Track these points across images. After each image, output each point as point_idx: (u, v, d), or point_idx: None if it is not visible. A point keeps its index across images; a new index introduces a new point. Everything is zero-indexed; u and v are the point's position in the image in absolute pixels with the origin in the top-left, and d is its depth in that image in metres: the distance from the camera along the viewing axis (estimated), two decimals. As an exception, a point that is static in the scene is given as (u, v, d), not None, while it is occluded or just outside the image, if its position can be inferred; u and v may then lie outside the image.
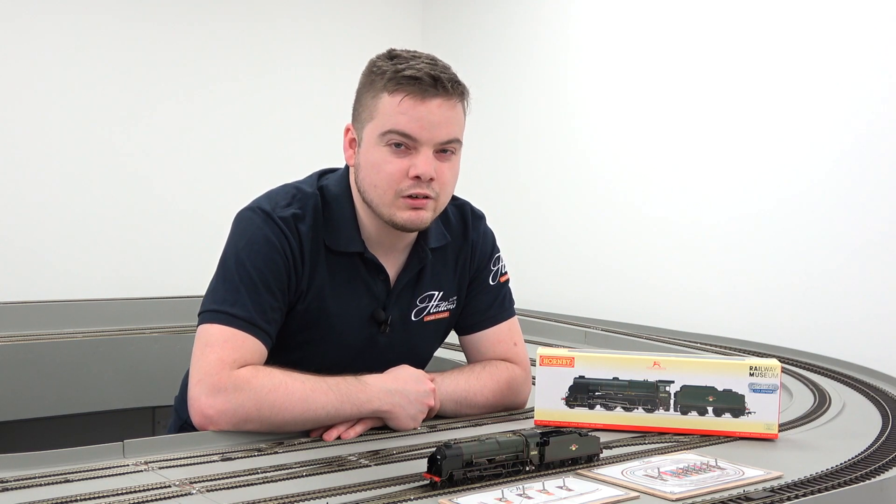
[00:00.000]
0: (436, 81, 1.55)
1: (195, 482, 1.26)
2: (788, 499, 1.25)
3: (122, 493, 1.20)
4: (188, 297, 3.08)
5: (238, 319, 1.53)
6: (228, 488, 1.24)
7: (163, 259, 3.43)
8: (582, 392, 1.61)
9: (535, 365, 1.66)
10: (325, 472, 1.33)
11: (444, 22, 4.00)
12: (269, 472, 1.33)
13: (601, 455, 1.41)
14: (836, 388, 2.09)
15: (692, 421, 1.59)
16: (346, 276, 1.65)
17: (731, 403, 1.58)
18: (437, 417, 1.67)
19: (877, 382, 2.17)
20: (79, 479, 1.26)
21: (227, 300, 1.55)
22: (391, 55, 1.61)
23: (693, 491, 1.26)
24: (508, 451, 1.31)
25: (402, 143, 1.56)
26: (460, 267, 1.78)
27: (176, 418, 1.81)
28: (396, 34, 3.93)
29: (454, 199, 1.78)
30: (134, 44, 3.39)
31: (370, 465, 1.37)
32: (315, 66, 3.81)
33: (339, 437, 1.53)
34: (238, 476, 1.30)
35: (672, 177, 3.07)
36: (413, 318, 1.73)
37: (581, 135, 3.40)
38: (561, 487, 1.26)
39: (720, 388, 1.58)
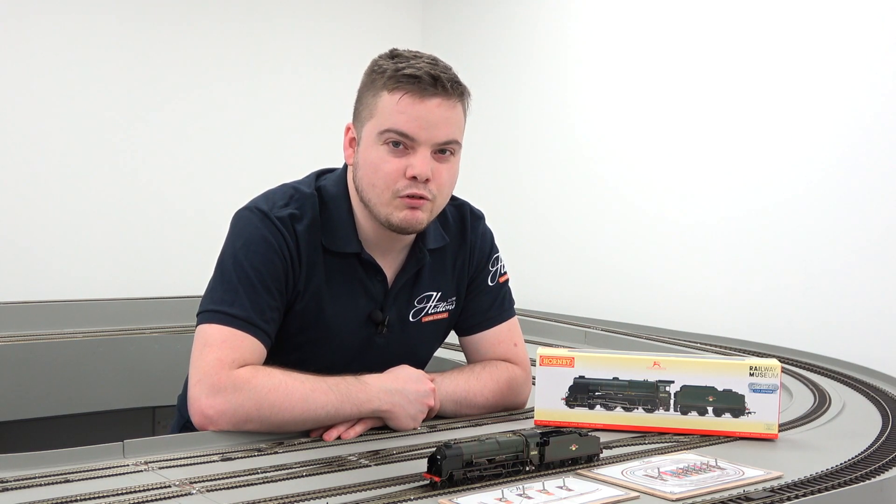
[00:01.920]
0: (435, 81, 1.55)
1: (195, 482, 1.26)
2: (788, 499, 1.25)
3: (122, 493, 1.20)
4: (188, 297, 3.08)
5: (236, 319, 1.53)
6: (228, 488, 1.24)
7: (163, 259, 3.43)
8: (582, 392, 1.61)
9: (535, 365, 1.66)
10: (325, 472, 1.33)
11: (444, 22, 4.00)
12: (269, 472, 1.33)
13: (601, 455, 1.41)
14: (836, 388, 2.09)
15: (692, 421, 1.59)
16: (343, 277, 1.65)
17: (731, 403, 1.58)
18: (437, 417, 1.67)
19: (877, 382, 2.17)
20: (79, 479, 1.26)
21: (225, 300, 1.55)
22: (392, 54, 1.61)
23: (693, 491, 1.26)
24: (508, 451, 1.31)
25: (401, 143, 1.56)
26: (458, 268, 1.78)
27: (178, 417, 1.81)
28: (396, 34, 3.93)
29: (453, 199, 1.77)
30: (134, 44, 3.39)
31: (370, 465, 1.37)
32: (315, 66, 3.81)
33: (339, 437, 1.53)
34: (238, 476, 1.30)
35: (672, 177, 3.07)
36: (411, 319, 1.73)
37: (581, 135, 3.40)
38: (561, 487, 1.26)
39: (720, 388, 1.58)
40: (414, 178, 1.55)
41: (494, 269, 1.82)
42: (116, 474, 1.30)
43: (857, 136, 2.57)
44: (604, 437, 1.48)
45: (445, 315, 1.77)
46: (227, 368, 1.49)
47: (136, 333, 2.92)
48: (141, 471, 1.32)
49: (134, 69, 3.40)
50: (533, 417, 1.64)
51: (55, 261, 3.25)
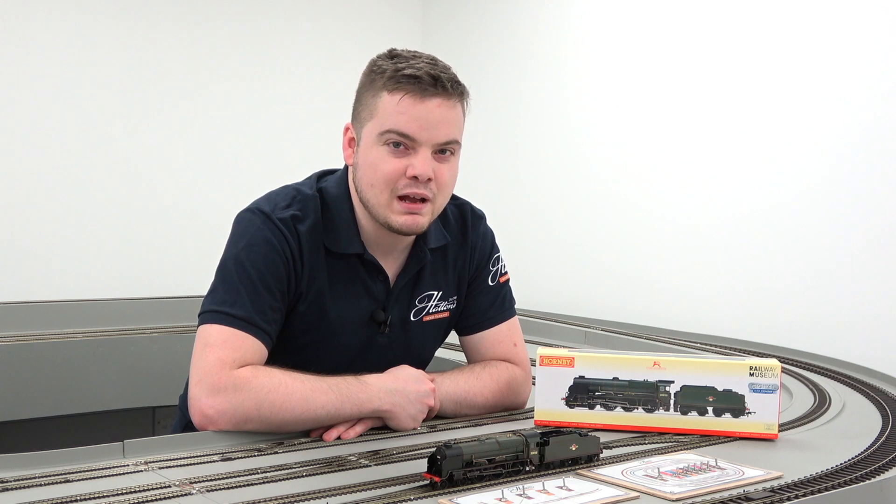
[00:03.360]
0: (435, 81, 1.55)
1: (195, 482, 1.26)
2: (788, 499, 1.25)
3: (122, 493, 1.20)
4: (188, 297, 3.08)
5: (237, 319, 1.53)
6: (228, 488, 1.24)
7: (163, 259, 3.43)
8: (582, 392, 1.61)
9: (535, 365, 1.66)
10: (325, 472, 1.33)
11: (444, 22, 4.00)
12: (269, 472, 1.33)
13: (601, 455, 1.41)
14: (836, 388, 2.09)
15: (692, 421, 1.59)
16: (345, 278, 1.65)
17: (731, 403, 1.58)
18: (437, 417, 1.67)
19: (877, 382, 2.17)
20: (79, 479, 1.26)
21: (227, 300, 1.55)
22: (391, 55, 1.61)
23: (693, 491, 1.26)
24: (508, 451, 1.31)
25: (401, 143, 1.56)
26: (459, 267, 1.78)
27: (180, 417, 1.81)
28: (396, 34, 3.93)
29: (455, 198, 1.78)
30: (134, 44, 3.39)
31: (370, 465, 1.37)
32: (315, 66, 3.81)
33: (339, 437, 1.53)
34: (238, 476, 1.30)
35: (672, 177, 3.07)
36: (412, 319, 1.73)
37: (581, 135, 3.40)
38: (561, 487, 1.26)
39: (720, 388, 1.58)
40: (415, 178, 1.55)
41: (495, 269, 1.82)
42: (116, 474, 1.30)
43: (857, 137, 2.57)
44: (604, 437, 1.48)
45: (446, 314, 1.77)
46: (228, 368, 1.49)
47: (136, 333, 2.92)
48: (141, 471, 1.32)
49: (135, 69, 3.40)
50: (533, 417, 1.64)
51: (55, 261, 3.25)
